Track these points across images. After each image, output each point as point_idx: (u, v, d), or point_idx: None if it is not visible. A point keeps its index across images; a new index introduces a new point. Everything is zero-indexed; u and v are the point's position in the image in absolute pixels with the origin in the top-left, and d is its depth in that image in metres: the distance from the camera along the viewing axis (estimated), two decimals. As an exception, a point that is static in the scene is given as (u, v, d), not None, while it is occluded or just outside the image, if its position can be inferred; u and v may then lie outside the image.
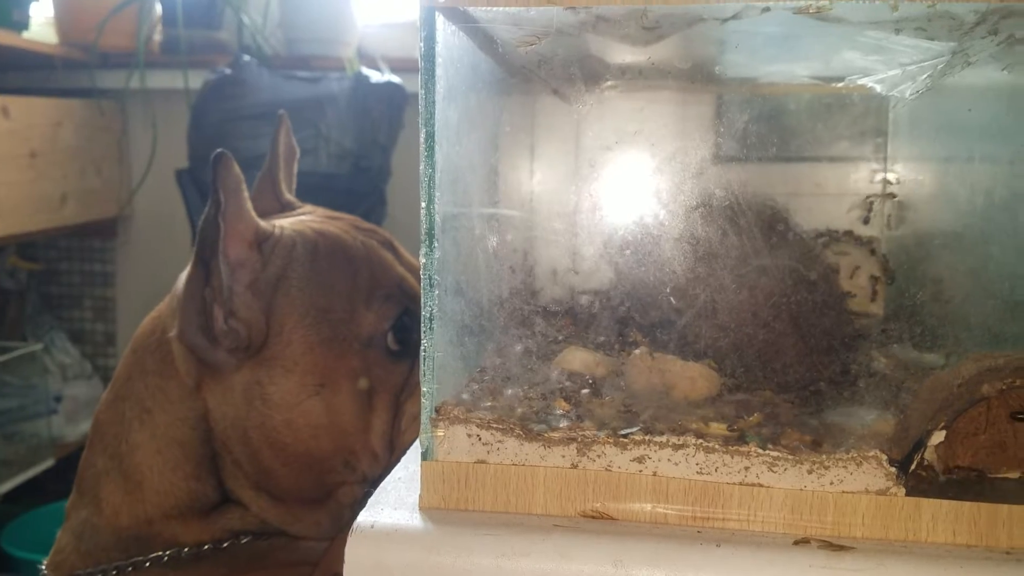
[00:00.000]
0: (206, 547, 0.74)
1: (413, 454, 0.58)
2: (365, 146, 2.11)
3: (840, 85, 0.78)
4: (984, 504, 0.46)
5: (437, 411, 0.49)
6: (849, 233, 0.81)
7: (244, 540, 0.75)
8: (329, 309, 0.74)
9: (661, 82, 0.69)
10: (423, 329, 0.49)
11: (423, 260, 0.48)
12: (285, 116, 0.91)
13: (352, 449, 0.74)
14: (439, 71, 0.47)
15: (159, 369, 0.76)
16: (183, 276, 0.75)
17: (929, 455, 0.48)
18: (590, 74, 0.63)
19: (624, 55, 0.63)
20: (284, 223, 0.78)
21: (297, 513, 0.76)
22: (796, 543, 0.46)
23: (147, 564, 0.73)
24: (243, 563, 0.74)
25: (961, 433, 0.50)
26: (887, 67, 0.75)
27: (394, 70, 2.15)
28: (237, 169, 0.71)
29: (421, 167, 0.48)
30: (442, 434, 0.49)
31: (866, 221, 0.86)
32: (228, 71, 2.04)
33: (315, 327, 0.73)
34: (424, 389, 0.49)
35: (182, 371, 0.74)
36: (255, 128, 2.08)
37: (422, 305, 0.49)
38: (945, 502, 0.46)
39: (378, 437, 0.75)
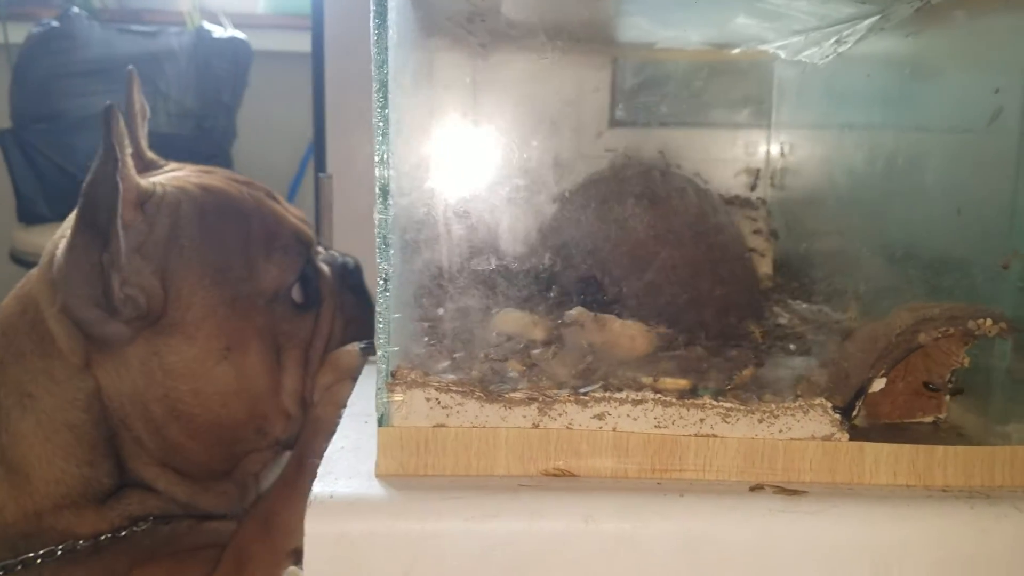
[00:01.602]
0: (104, 537, 0.69)
1: (350, 422, 0.56)
2: (208, 105, 2.01)
3: (737, 51, 0.81)
4: (921, 446, 0.49)
5: (393, 375, 0.48)
6: (742, 198, 0.84)
7: (143, 526, 0.70)
8: (227, 267, 0.70)
9: (569, 43, 0.69)
10: (378, 290, 0.47)
11: (378, 218, 0.46)
12: (134, 72, 0.85)
13: (264, 414, 0.72)
14: (391, 15, 0.45)
15: (38, 349, 0.69)
16: (60, 245, 0.69)
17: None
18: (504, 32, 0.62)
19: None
20: (161, 180, 0.73)
21: (205, 485, 0.73)
22: (752, 489, 0.48)
23: (38, 561, 0.67)
24: (146, 551, 0.69)
25: (882, 381, 0.53)
26: (778, 34, 0.78)
27: (236, 26, 2.05)
28: (123, 124, 0.65)
29: (374, 120, 0.45)
30: (400, 399, 0.47)
31: (753, 187, 0.90)
32: (55, 24, 1.89)
33: (215, 287, 0.69)
34: (380, 353, 0.47)
35: (66, 349, 0.68)
36: (86, 85, 1.94)
37: (377, 266, 0.47)
38: (886, 445, 0.49)
39: (290, 396, 0.72)
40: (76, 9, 1.91)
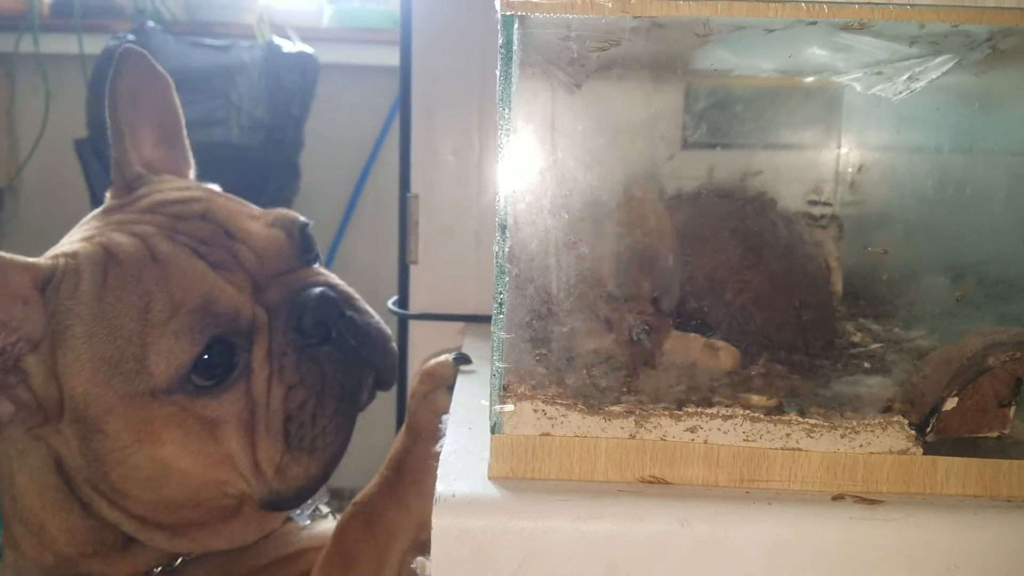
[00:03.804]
0: (158, 570, 0.70)
1: (456, 428, 0.61)
2: (278, 117, 2.09)
3: (811, 80, 0.85)
4: (988, 460, 0.53)
5: (505, 388, 0.53)
6: (810, 216, 0.88)
7: (193, 557, 0.72)
8: (120, 360, 0.63)
9: (661, 73, 0.74)
10: (493, 313, 0.52)
11: (496, 249, 0.51)
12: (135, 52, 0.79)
13: (219, 480, 0.68)
14: (514, 61, 0.50)
15: None
16: None
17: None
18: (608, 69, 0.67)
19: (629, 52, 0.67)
20: (72, 248, 0.68)
21: (202, 535, 0.71)
22: (834, 499, 0.52)
23: None
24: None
25: (952, 399, 0.57)
26: (848, 64, 0.82)
27: (301, 39, 2.13)
28: None
29: (499, 163, 0.51)
30: (511, 410, 0.53)
31: (813, 203, 0.94)
32: (131, 37, 1.97)
33: (108, 385, 0.64)
34: (492, 368, 0.53)
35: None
36: (160, 97, 2.02)
37: (494, 290, 0.52)
38: (956, 459, 0.53)
39: (243, 464, 0.67)
40: (152, 23, 2.00)
